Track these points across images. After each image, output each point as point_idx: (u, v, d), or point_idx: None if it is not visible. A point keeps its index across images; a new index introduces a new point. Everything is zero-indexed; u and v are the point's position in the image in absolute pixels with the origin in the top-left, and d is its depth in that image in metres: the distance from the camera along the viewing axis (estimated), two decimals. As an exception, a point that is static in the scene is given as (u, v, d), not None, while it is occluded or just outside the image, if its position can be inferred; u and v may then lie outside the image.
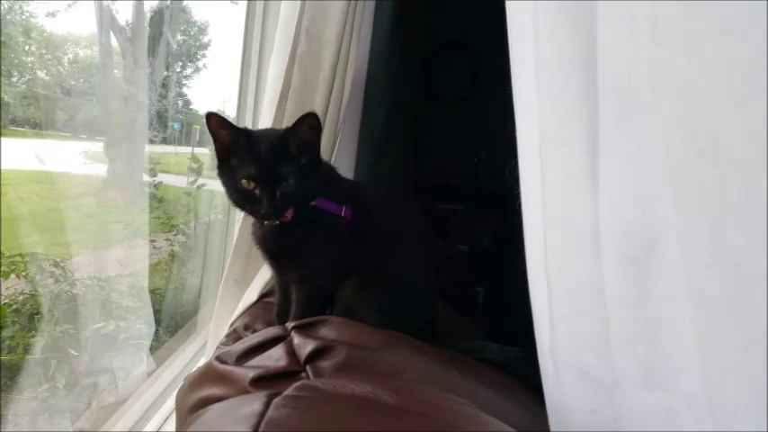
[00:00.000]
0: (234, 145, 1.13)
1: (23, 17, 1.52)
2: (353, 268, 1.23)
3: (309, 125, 1.11)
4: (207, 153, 2.50)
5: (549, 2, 0.68)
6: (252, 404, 0.67)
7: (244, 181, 1.11)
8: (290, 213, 1.15)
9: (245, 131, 1.15)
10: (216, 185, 1.28)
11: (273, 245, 1.24)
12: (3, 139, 1.34)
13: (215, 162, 1.18)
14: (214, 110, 1.11)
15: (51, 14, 1.54)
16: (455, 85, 3.81)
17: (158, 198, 2.19)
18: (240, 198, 1.14)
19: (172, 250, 2.27)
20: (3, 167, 1.31)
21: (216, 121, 1.11)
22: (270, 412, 0.64)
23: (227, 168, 1.15)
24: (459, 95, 3.79)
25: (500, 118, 0.95)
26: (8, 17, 1.44)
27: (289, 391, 0.69)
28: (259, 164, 1.10)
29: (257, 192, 1.11)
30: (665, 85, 0.56)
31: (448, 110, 3.73)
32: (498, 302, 2.65)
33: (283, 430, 0.61)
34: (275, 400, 0.67)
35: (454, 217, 3.50)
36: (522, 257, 0.83)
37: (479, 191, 3.55)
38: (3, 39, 1.39)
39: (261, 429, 0.61)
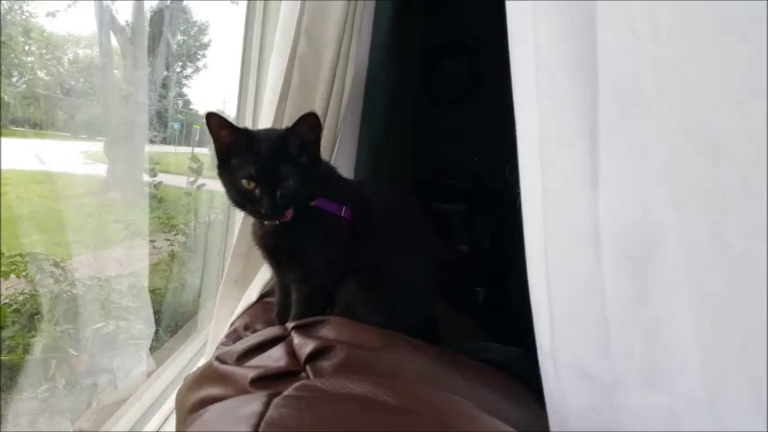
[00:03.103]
0: (234, 145, 1.13)
1: (23, 17, 1.52)
2: (354, 268, 1.23)
3: (310, 125, 1.12)
4: (207, 153, 2.50)
5: (548, 2, 0.68)
6: (252, 404, 0.67)
7: (244, 181, 1.11)
8: (289, 213, 1.15)
9: (246, 131, 1.16)
10: (216, 185, 1.28)
11: (273, 245, 1.24)
12: (3, 139, 1.35)
13: (215, 162, 1.18)
14: (214, 110, 1.12)
15: (51, 14, 1.54)
16: (455, 84, 3.80)
17: (158, 198, 2.19)
18: (240, 198, 1.14)
19: (172, 250, 2.28)
20: (4, 168, 1.31)
21: (216, 121, 1.11)
22: (270, 412, 0.64)
23: (227, 168, 1.15)
24: (459, 95, 3.78)
25: (500, 118, 0.95)
26: (8, 17, 1.44)
27: (289, 391, 0.70)
28: (259, 164, 1.10)
29: (257, 192, 1.11)
30: (666, 85, 0.56)
31: (448, 110, 3.72)
32: (498, 303, 2.65)
33: (283, 430, 0.61)
34: (275, 400, 0.67)
35: (454, 217, 3.50)
36: (522, 258, 0.83)
37: (479, 191, 3.54)
38: (3, 39, 1.39)
39: (261, 429, 0.61)
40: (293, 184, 1.12)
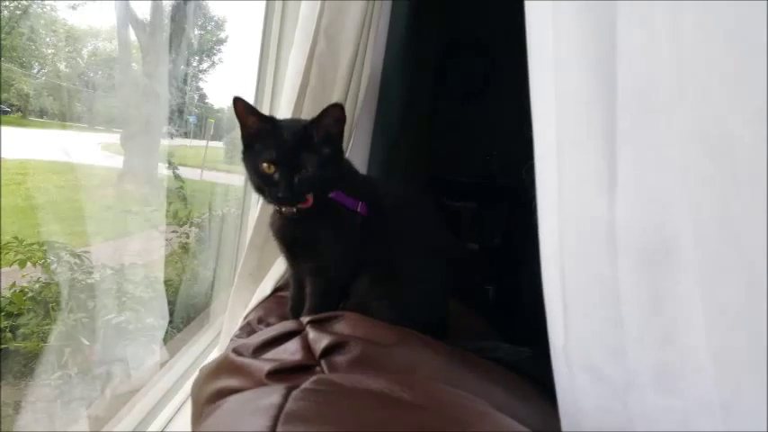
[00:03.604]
0: (260, 131, 1.16)
1: (44, 10, 1.54)
2: (367, 263, 1.24)
3: (334, 117, 1.15)
4: (221, 146, 2.51)
5: (569, 2, 0.69)
6: (270, 396, 0.68)
7: (264, 164, 1.13)
8: (310, 199, 1.17)
9: (272, 119, 1.19)
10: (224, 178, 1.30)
11: (290, 235, 1.25)
12: (22, 129, 1.36)
13: (240, 148, 1.20)
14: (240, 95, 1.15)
15: (72, 7, 1.56)
16: (469, 83, 3.80)
17: (176, 191, 2.20)
18: (260, 181, 1.16)
19: (186, 242, 2.29)
20: (23, 157, 1.32)
21: (243, 107, 1.14)
22: (289, 404, 0.65)
23: (251, 153, 1.17)
24: (473, 93, 3.78)
25: (514, 116, 0.96)
26: (30, 10, 1.46)
27: (306, 384, 0.70)
28: (281, 148, 1.13)
29: (276, 176, 1.13)
30: (684, 89, 0.57)
31: (462, 108, 3.72)
32: (509, 300, 2.66)
33: (302, 422, 0.62)
34: (294, 393, 0.68)
35: (465, 214, 3.50)
36: (534, 255, 0.84)
37: (491, 188, 3.54)
38: (24, 31, 1.41)
39: (280, 421, 0.62)
40: (311, 172, 1.14)
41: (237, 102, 1.13)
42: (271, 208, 1.28)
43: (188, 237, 2.30)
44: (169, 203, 2.05)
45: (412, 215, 1.31)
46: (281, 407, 0.64)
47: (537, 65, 0.79)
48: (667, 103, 0.58)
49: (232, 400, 0.77)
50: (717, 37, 0.54)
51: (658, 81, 0.59)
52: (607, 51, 0.64)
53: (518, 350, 1.29)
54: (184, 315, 2.12)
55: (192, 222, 2.35)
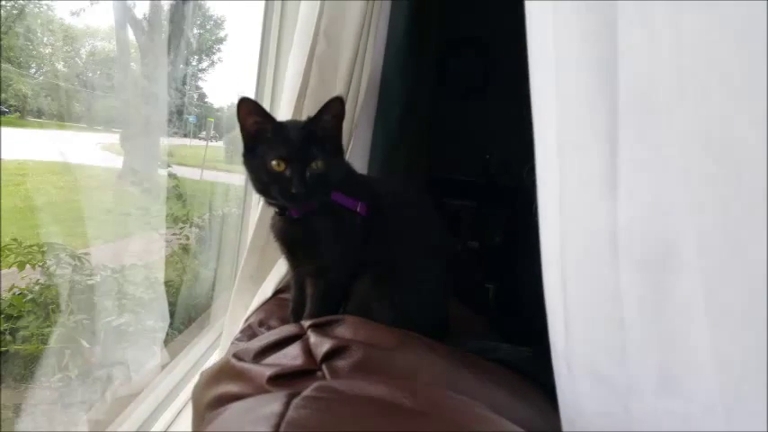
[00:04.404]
0: (262, 132, 1.15)
1: (42, 9, 1.54)
2: (368, 264, 1.24)
3: (334, 111, 1.15)
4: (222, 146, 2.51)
5: (569, 2, 0.68)
6: (272, 404, 0.67)
7: (274, 162, 1.12)
8: (313, 205, 1.17)
9: (273, 119, 1.17)
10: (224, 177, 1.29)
11: (291, 237, 1.25)
12: (21, 130, 1.36)
13: (241, 150, 1.20)
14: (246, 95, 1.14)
15: (75, 14, 1.55)
16: (469, 82, 3.80)
17: (176, 192, 2.20)
18: (269, 180, 1.15)
19: (186, 243, 2.28)
20: (21, 158, 1.32)
21: (247, 107, 1.14)
22: (290, 413, 0.64)
23: (253, 155, 1.17)
24: (474, 93, 3.78)
25: (514, 116, 0.95)
26: (27, 9, 1.45)
27: (308, 391, 0.70)
28: (290, 144, 1.13)
29: (287, 172, 1.12)
30: (686, 92, 0.56)
31: (462, 107, 3.72)
32: (509, 299, 2.66)
33: (304, 430, 0.62)
34: (295, 401, 0.67)
35: (465, 213, 3.50)
36: (534, 255, 0.83)
37: (491, 187, 3.55)
38: (22, 31, 1.41)
39: (281, 430, 0.61)
40: (322, 165, 1.14)
41: (243, 102, 1.13)
42: (271, 210, 1.27)
43: (188, 238, 2.30)
44: (168, 202, 2.05)
45: (412, 215, 1.31)
46: (282, 415, 0.64)
47: (537, 65, 0.79)
48: (669, 104, 0.58)
49: (233, 407, 0.77)
50: (718, 36, 0.54)
51: (660, 81, 0.59)
52: (608, 51, 0.63)
53: (518, 350, 1.29)
54: (185, 316, 2.12)
55: (192, 223, 2.34)
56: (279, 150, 1.12)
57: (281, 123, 1.19)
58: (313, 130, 1.15)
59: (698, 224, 0.57)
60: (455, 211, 3.48)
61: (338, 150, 1.22)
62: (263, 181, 1.17)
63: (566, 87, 0.71)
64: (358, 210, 1.21)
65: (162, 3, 1.89)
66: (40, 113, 1.57)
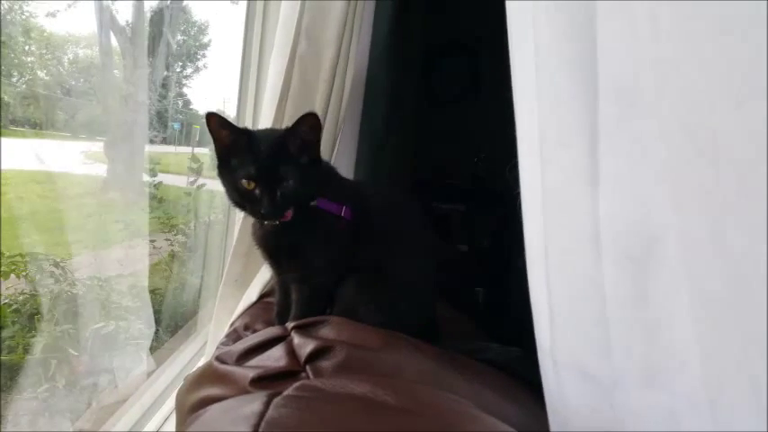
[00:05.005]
0: (234, 145, 1.13)
1: (23, 17, 1.52)
2: (353, 268, 1.23)
3: (309, 125, 1.12)
4: (207, 153, 2.50)
5: (549, 2, 0.68)
6: (252, 404, 0.67)
7: (244, 181, 1.11)
8: (289, 214, 1.15)
9: (246, 131, 1.16)
10: (216, 185, 1.28)
11: (273, 245, 1.24)
12: (4, 139, 1.34)
13: (215, 162, 1.18)
14: (214, 110, 1.12)
15: (51, 14, 1.54)
16: (454, 84, 3.80)
17: (158, 198, 2.19)
18: (240, 198, 1.14)
19: (172, 250, 2.28)
20: (3, 168, 1.31)
21: (216, 121, 1.11)
22: (270, 412, 0.64)
23: (227, 169, 1.15)
24: (459, 95, 3.78)
25: (500, 118, 0.95)
26: (8, 17, 1.44)
27: (289, 391, 0.70)
28: (259, 164, 1.10)
29: (257, 192, 1.11)
30: (666, 85, 0.56)
31: (447, 110, 3.72)
32: (498, 302, 2.66)
33: (283, 430, 0.61)
34: (275, 400, 0.67)
35: (454, 217, 3.50)
36: (522, 257, 0.83)
37: (479, 191, 3.55)
38: (3, 39, 1.39)
39: (261, 429, 0.61)
40: (293, 184, 1.11)
41: (212, 117, 1.11)
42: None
43: (173, 245, 2.29)
44: (152, 210, 2.04)
45: (397, 217, 1.30)
46: (261, 414, 0.63)
47: (518, 64, 0.79)
48: (649, 97, 0.58)
49: (213, 408, 0.76)
50: (698, 30, 0.54)
51: (639, 75, 0.59)
52: (588, 47, 0.63)
53: (508, 351, 1.29)
54: (171, 323, 2.10)
55: (177, 230, 2.33)
56: (248, 169, 1.10)
57: (253, 136, 1.16)
58: (287, 143, 1.13)
59: (680, 218, 0.57)
60: (443, 214, 3.47)
61: (315, 162, 1.19)
62: (234, 197, 1.16)
63: (545, 85, 0.72)
64: (342, 214, 1.20)
65: (144, 9, 1.88)
66: (22, 122, 1.56)
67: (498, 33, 0.93)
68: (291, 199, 1.13)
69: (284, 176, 1.11)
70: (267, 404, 0.66)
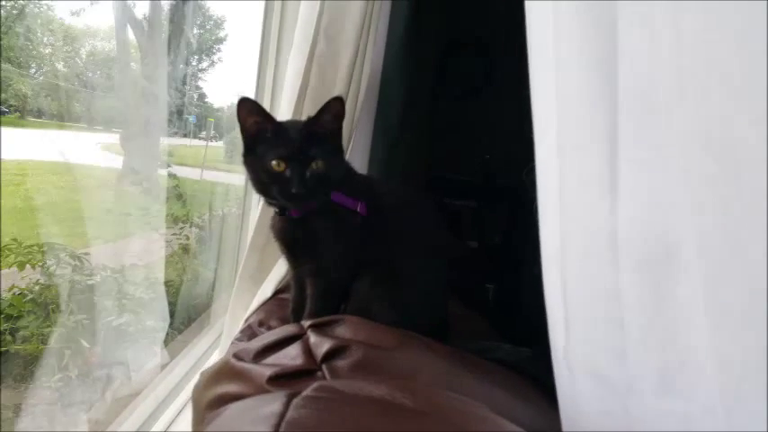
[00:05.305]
0: (261, 132, 1.15)
1: (42, 9, 1.53)
2: (367, 264, 1.23)
3: (334, 111, 1.16)
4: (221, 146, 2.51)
5: (569, 2, 0.68)
6: (271, 404, 0.67)
7: (274, 162, 1.12)
8: (314, 204, 1.17)
9: (273, 119, 1.17)
10: (217, 177, 1.29)
11: (291, 236, 1.25)
12: (21, 130, 1.36)
13: (241, 150, 1.20)
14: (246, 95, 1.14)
15: (75, 14, 1.55)
16: (469, 82, 3.79)
17: (176, 192, 2.20)
18: (269, 180, 1.15)
19: (187, 243, 2.28)
20: (21, 158, 1.32)
21: (248, 107, 1.14)
22: (290, 413, 0.64)
23: (253, 155, 1.17)
24: (473, 93, 3.77)
25: (514, 116, 0.95)
26: (27, 9, 1.45)
27: (308, 391, 0.70)
28: (290, 145, 1.13)
29: (287, 172, 1.12)
30: (685, 92, 0.56)
31: (462, 107, 3.71)
32: (509, 299, 2.65)
33: (304, 431, 0.62)
34: (295, 401, 0.67)
35: (465, 213, 3.49)
36: (534, 254, 0.83)
37: (492, 187, 3.54)
38: (21, 30, 1.41)
39: (281, 430, 0.61)
40: (322, 165, 1.14)
41: (244, 102, 1.13)
42: (271, 210, 1.27)
43: (188, 238, 2.29)
44: (168, 202, 2.05)
45: (411, 215, 1.31)
46: (282, 415, 0.64)
47: (537, 65, 0.79)
48: (669, 104, 0.58)
49: (233, 407, 0.77)
50: (718, 36, 0.54)
51: (659, 81, 0.59)
52: (608, 52, 0.63)
53: (519, 350, 1.29)
54: (185, 316, 2.11)
55: (192, 223, 2.34)
56: (279, 150, 1.12)
57: (281, 123, 1.19)
58: (313, 130, 1.15)
59: (698, 224, 0.57)
60: (455, 210, 3.47)
61: (338, 150, 1.22)
62: (262, 181, 1.17)
63: (565, 87, 0.71)
64: (358, 209, 1.21)
65: (162, 3, 1.89)
66: (40, 113, 1.57)
67: (514, 32, 0.93)
68: (320, 180, 1.14)
69: (314, 157, 1.13)
70: (287, 405, 0.66)
